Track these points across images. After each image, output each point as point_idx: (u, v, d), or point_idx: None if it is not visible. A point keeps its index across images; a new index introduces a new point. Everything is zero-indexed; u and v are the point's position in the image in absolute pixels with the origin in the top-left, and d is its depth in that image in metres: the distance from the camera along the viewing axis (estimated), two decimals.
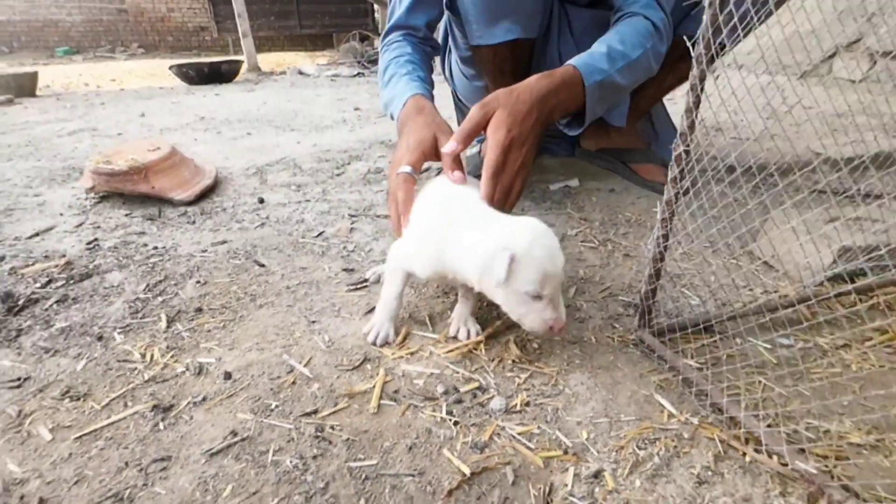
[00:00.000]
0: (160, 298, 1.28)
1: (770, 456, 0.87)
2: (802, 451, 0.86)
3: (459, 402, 0.97)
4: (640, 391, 1.02)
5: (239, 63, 6.52)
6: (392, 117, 1.58)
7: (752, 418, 0.90)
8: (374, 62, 7.53)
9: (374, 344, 1.11)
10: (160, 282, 1.35)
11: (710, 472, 0.85)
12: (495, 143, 1.20)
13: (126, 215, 1.81)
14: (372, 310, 1.24)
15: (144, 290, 1.31)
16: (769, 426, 0.89)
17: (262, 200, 1.95)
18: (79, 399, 0.95)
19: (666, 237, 1.04)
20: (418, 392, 0.98)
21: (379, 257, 1.53)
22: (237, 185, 2.12)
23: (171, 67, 6.06)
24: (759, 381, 1.05)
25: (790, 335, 1.21)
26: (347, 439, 0.87)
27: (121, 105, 4.32)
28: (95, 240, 1.61)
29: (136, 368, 1.03)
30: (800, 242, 1.39)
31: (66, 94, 5.44)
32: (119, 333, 1.14)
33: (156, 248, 1.55)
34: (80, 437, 0.87)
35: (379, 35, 10.39)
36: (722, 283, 1.43)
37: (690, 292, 1.38)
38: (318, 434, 0.88)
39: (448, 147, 1.22)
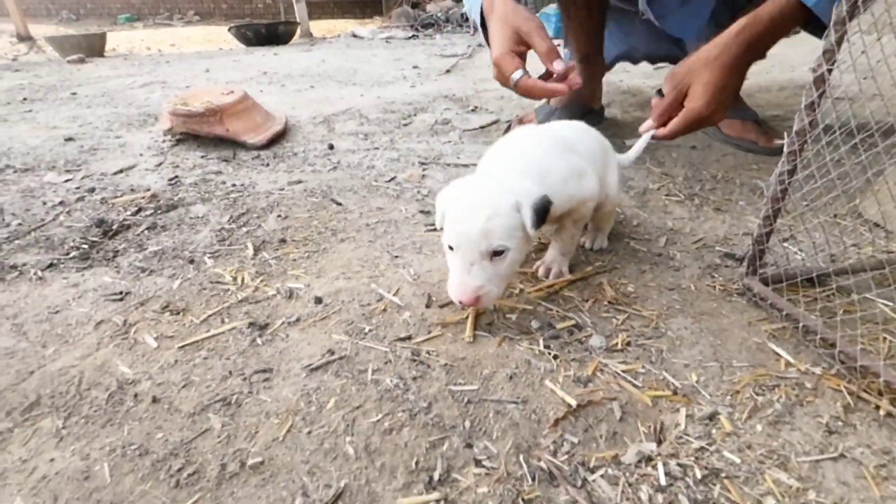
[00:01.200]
0: (244, 229, 1.28)
1: None
2: None
3: (556, 337, 0.92)
4: (750, 338, 0.94)
5: (295, 25, 6.53)
6: (474, 16, 1.51)
7: (890, 370, 0.81)
8: (428, 26, 7.38)
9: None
10: (242, 214, 1.36)
11: (840, 423, 0.78)
12: (688, 114, 1.17)
13: (202, 157, 1.84)
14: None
15: (229, 221, 1.32)
16: None
17: (331, 147, 1.94)
18: (178, 313, 0.97)
19: (792, 172, 0.94)
20: (512, 325, 0.95)
21: None
22: (306, 133, 2.12)
23: (229, 29, 6.13)
24: (885, 338, 0.96)
25: None
26: (445, 364, 0.85)
27: (185, 63, 4.41)
28: (176, 177, 1.64)
29: (228, 289, 1.04)
30: None
31: (131, 55, 5.61)
32: (209, 258, 1.15)
33: (234, 185, 1.56)
34: (184, 346, 0.88)
35: (430, 0, 10.14)
36: (828, 239, 1.31)
37: (794, 247, 1.27)
38: (415, 358, 0.86)
39: (644, 126, 1.25)
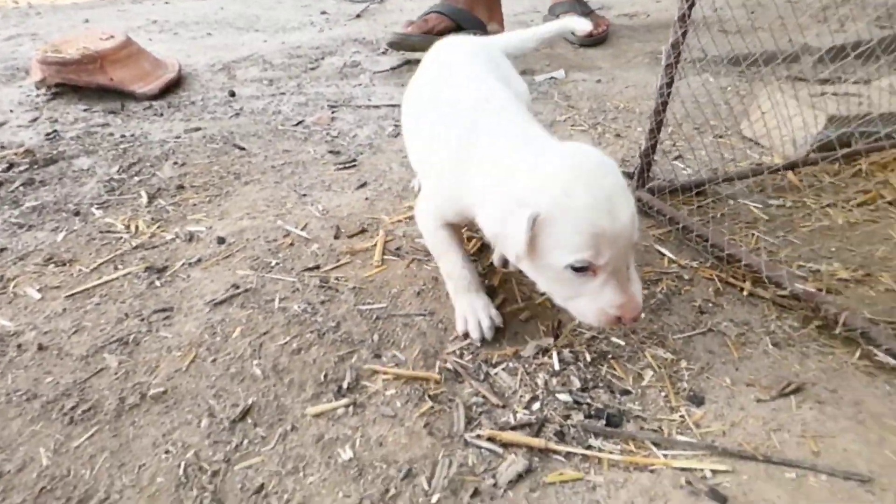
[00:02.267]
0: (137, 178, 1.20)
1: (767, 289, 0.90)
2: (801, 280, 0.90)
3: None
4: (639, 243, 1.03)
5: None
6: None
7: (751, 255, 0.92)
8: None
9: (480, 341, 0.78)
10: (134, 164, 1.26)
11: (710, 304, 0.88)
12: None
13: (85, 110, 1.67)
14: (364, 185, 1.20)
15: (118, 171, 1.23)
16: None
17: (233, 94, 1.82)
18: (64, 265, 0.90)
19: (670, 84, 1.00)
20: (420, 249, 0.97)
21: (365, 141, 1.46)
22: (204, 81, 1.97)
23: None
24: (753, 234, 1.08)
25: (780, 197, 1.24)
26: (354, 287, 0.86)
27: (59, 14, 3.90)
28: (55, 131, 1.49)
29: (121, 238, 0.98)
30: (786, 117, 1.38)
31: None
32: (97, 209, 1.07)
33: (123, 136, 1.44)
34: (72, 295, 0.83)
35: None
36: (711, 156, 1.43)
37: (682, 164, 1.38)
38: (323, 285, 0.86)
39: None
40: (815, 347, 0.79)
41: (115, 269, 0.89)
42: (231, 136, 1.45)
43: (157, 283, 0.86)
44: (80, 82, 1.69)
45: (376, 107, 1.74)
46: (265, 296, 0.83)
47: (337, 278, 0.88)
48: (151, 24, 3.14)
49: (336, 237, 0.99)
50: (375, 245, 0.96)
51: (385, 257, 0.94)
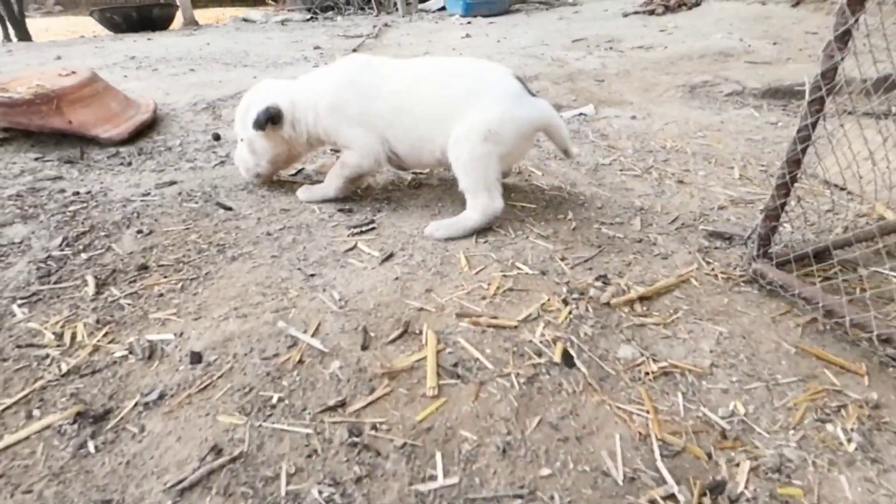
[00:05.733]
0: (84, 255, 0.89)
1: None
2: None
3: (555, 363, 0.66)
4: (782, 342, 0.74)
5: (173, 8, 5.76)
6: None
7: None
8: (327, 9, 6.87)
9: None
10: (84, 234, 0.96)
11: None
12: None
13: (36, 159, 1.37)
14: (389, 256, 0.91)
15: (61, 245, 0.92)
16: None
17: (217, 137, 1.54)
18: None
19: (814, 125, 0.74)
20: (491, 359, 0.67)
21: (381, 195, 1.18)
22: (183, 122, 1.69)
23: (92, 13, 5.27)
24: None
25: None
26: (403, 445, 0.55)
27: (32, 51, 3.64)
28: None
29: (47, 356, 0.66)
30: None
31: None
32: (21, 307, 0.76)
33: (77, 193, 1.14)
34: None
35: None
36: (804, 210, 1.17)
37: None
38: (355, 440, 0.55)
39: None
40: None
41: (29, 416, 0.58)
42: (214, 192, 1.16)
43: (91, 445, 0.54)
44: (33, 127, 1.40)
45: None
46: (263, 467, 0.52)
47: (375, 425, 0.57)
48: (129, 61, 2.87)
49: (364, 347, 0.68)
50: (424, 360, 0.66)
51: (441, 381, 0.63)
